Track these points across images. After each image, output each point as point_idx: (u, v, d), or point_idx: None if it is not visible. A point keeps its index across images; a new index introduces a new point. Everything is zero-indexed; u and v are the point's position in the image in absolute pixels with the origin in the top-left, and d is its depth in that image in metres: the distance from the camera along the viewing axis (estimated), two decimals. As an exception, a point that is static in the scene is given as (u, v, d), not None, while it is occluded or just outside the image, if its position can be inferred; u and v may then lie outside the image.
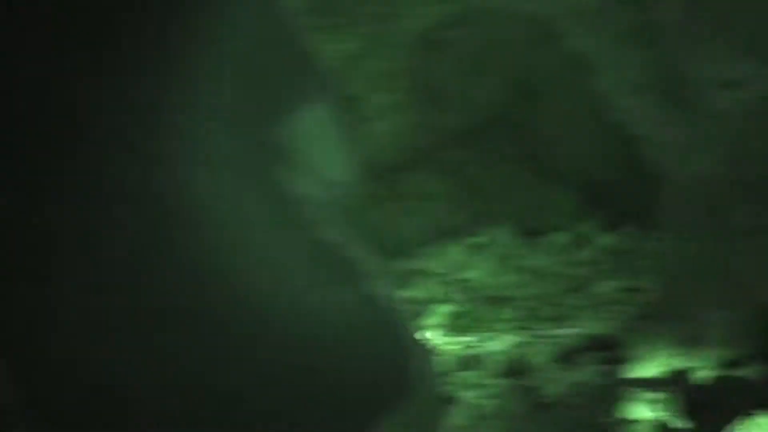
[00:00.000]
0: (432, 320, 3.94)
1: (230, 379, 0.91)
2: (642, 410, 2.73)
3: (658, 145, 2.77)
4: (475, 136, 5.04)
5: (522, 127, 5.04)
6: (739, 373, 2.50)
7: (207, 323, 0.92)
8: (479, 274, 4.58)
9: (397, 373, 1.07)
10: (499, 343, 3.61)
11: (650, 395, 2.71)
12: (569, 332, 3.55)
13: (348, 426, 1.00)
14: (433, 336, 3.79)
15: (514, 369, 3.33)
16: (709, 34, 2.34)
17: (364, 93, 4.66)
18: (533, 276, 4.50)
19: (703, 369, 2.60)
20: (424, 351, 1.24)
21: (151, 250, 0.90)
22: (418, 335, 1.26)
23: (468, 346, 3.61)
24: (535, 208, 5.02)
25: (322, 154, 1.15)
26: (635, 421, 2.75)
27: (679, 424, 2.58)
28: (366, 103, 4.69)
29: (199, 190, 0.95)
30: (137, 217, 0.89)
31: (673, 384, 2.64)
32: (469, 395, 3.25)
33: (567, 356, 3.28)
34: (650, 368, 2.81)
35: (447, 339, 3.75)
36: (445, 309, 4.08)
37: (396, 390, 1.04)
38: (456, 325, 3.88)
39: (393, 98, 4.73)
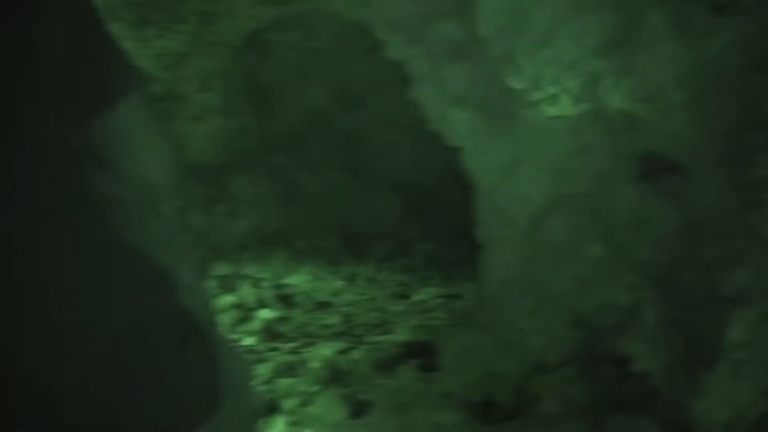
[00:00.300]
0: (253, 326, 3.86)
1: (30, 392, 0.84)
2: (458, 415, 2.76)
3: (478, 158, 2.81)
4: (300, 141, 5.01)
5: (346, 134, 5.05)
6: (553, 378, 2.56)
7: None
8: (301, 279, 4.54)
9: (212, 382, 0.99)
10: (320, 350, 3.57)
11: (467, 400, 2.74)
12: (390, 339, 3.56)
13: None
14: (253, 342, 3.71)
15: (335, 376, 3.31)
16: (530, 50, 2.39)
17: (189, 92, 4.55)
18: (355, 282, 4.50)
19: (517, 375, 2.66)
20: (243, 359, 1.18)
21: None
22: (237, 342, 1.21)
23: (289, 353, 3.56)
24: (358, 215, 5.05)
25: (137, 155, 1.07)
26: (451, 426, 2.78)
27: (495, 427, 2.63)
28: (191, 103, 4.57)
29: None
30: None
31: (489, 390, 2.69)
32: (289, 403, 3.20)
33: (387, 363, 3.28)
34: (467, 374, 2.85)
35: (268, 345, 3.68)
36: (267, 315, 4.02)
37: (210, 400, 0.97)
38: (277, 332, 3.83)
39: (218, 99, 4.64)
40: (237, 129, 4.74)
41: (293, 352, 3.60)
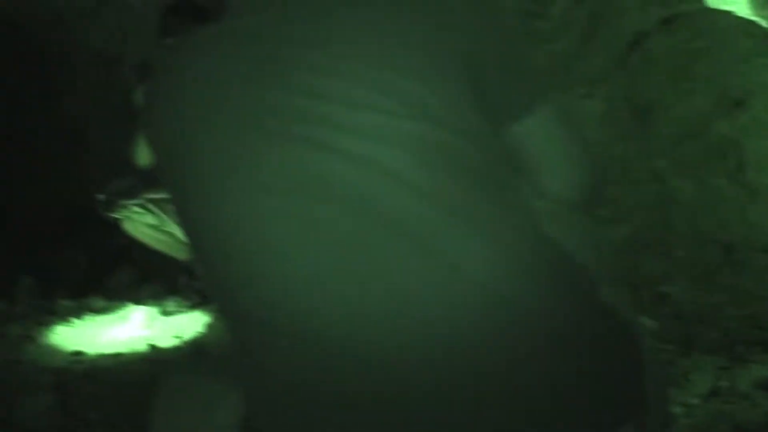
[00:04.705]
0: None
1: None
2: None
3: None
4: (679, 146, 4.47)
5: (727, 140, 4.36)
6: None
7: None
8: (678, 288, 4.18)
9: (637, 385, 0.99)
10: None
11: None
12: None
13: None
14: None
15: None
16: None
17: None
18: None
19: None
20: (662, 364, 1.27)
21: None
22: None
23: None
24: (738, 225, 4.36)
25: (550, 167, 1.14)
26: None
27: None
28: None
29: None
30: None
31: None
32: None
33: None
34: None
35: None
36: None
37: (635, 402, 0.96)
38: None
39: (600, 106, 4.41)
40: (617, 137, 4.43)
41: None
